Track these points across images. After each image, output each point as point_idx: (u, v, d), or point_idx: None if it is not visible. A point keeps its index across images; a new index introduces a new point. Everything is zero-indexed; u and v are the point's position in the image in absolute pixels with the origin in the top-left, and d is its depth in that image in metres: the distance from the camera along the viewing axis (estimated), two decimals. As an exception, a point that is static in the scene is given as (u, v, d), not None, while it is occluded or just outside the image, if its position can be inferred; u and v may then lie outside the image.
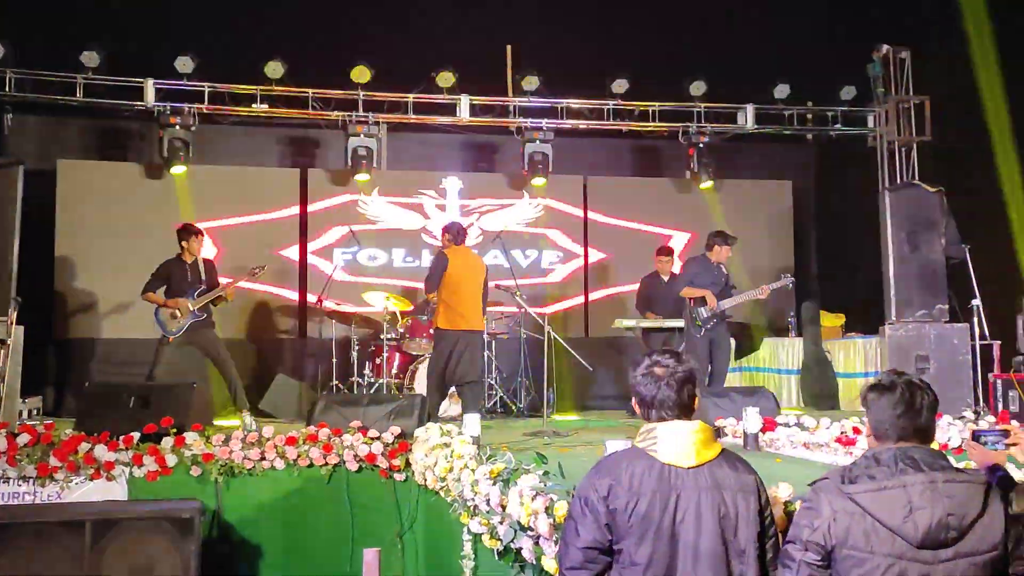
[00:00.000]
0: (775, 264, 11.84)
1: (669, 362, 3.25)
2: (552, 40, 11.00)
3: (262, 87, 10.56)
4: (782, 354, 11.28)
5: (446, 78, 10.83)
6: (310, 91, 10.75)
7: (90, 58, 10.02)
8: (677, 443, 3.14)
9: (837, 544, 2.94)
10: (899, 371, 3.19)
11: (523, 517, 4.15)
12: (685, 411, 3.21)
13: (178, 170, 10.56)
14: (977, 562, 2.91)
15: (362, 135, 10.74)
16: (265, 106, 10.63)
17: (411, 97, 10.96)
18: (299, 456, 6.74)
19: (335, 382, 10.09)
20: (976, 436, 4.01)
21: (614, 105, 11.34)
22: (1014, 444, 4.01)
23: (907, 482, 2.93)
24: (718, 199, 12.18)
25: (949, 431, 6.89)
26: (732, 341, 10.07)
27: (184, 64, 10.27)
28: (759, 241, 12.13)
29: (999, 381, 8.64)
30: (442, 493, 5.66)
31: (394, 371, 9.87)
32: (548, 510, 4.02)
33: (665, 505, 3.06)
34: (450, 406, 9.40)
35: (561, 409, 10.40)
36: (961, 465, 4.24)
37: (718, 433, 7.20)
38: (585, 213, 12.17)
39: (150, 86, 10.40)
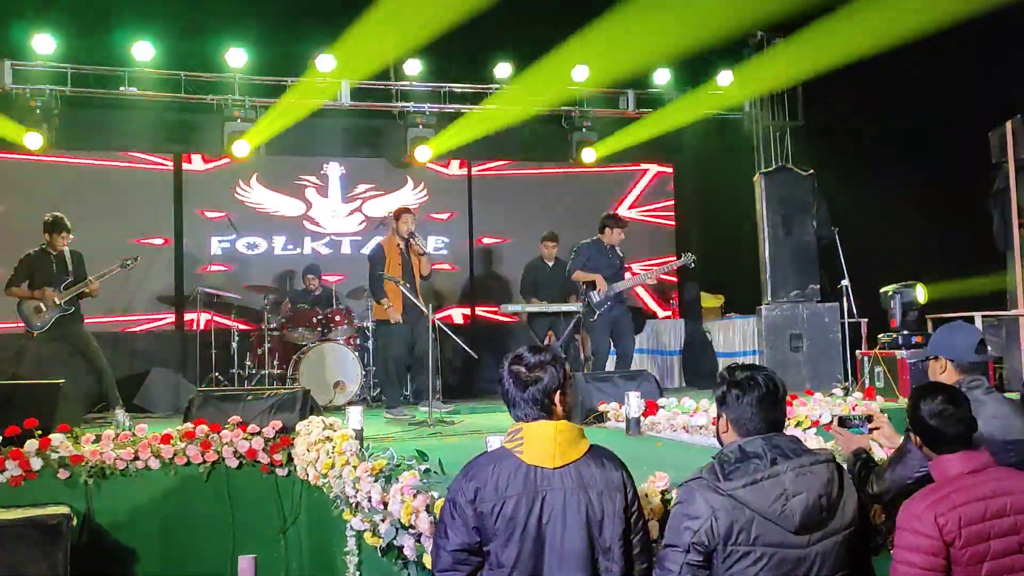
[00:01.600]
0: (657, 247, 12.04)
1: (533, 360, 3.23)
2: (433, 25, 10.90)
3: (130, 68, 10.19)
4: (664, 335, 11.48)
5: (327, 62, 10.65)
6: (183, 74, 10.42)
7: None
8: (542, 444, 3.11)
9: (720, 542, 2.97)
10: (749, 364, 3.25)
11: (404, 515, 4.11)
12: (549, 410, 3.17)
13: (36, 146, 10.02)
14: (839, 539, 3.02)
15: (239, 119, 10.47)
16: (134, 88, 10.26)
17: (290, 80, 10.73)
18: (175, 454, 6.54)
19: (215, 374, 9.85)
20: (841, 421, 4.14)
21: (497, 89, 11.32)
22: (876, 428, 4.16)
23: (779, 471, 2.99)
24: (600, 182, 12.29)
25: (821, 407, 7.12)
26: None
27: (43, 44, 9.83)
28: (640, 224, 12.30)
29: (866, 358, 8.95)
30: (325, 489, 5.58)
31: (276, 362, 9.68)
32: (429, 508, 3.99)
33: (531, 507, 3.04)
34: (335, 395, 9.29)
35: (450, 396, 10.37)
36: (829, 446, 4.39)
37: (601, 418, 7.27)
38: (469, 198, 12.13)
39: (7, 67, 9.92)
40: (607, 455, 3.24)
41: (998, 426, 3.76)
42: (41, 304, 8.46)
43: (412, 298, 8.37)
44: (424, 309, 7.99)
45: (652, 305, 12.39)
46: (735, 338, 10.96)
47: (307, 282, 10.59)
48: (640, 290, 12.13)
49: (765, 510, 2.96)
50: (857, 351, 9.31)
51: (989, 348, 4.23)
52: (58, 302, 8.49)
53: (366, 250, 10.58)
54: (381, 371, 9.44)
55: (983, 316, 8.87)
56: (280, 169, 11.69)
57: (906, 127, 10.51)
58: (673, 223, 12.90)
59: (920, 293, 9.11)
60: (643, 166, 12.91)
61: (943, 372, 4.03)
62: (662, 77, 11.69)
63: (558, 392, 3.21)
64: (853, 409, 7.45)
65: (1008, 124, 8.71)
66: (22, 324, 8.55)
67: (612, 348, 9.39)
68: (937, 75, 10.35)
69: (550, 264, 10.34)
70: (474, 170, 12.32)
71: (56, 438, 6.36)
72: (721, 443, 3.33)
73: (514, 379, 3.20)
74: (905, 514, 3.10)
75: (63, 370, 8.42)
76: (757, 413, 3.09)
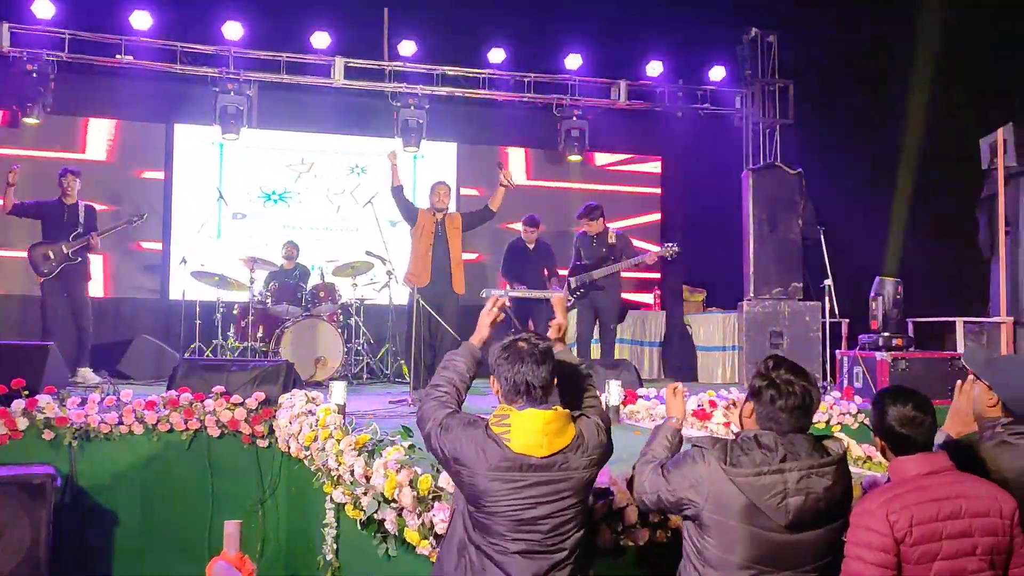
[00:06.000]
0: (643, 238, 12.10)
1: (525, 345, 3.29)
2: (430, 6, 10.94)
3: (127, 37, 10.18)
4: (646, 326, 11.57)
5: (321, 39, 10.68)
6: (179, 44, 10.40)
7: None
8: (530, 432, 3.18)
9: (705, 509, 3.12)
10: (792, 365, 3.26)
11: (387, 489, 4.18)
12: (540, 397, 3.26)
13: (32, 120, 10.07)
14: (827, 531, 3.18)
15: (232, 93, 10.47)
16: (130, 57, 10.24)
17: (284, 56, 10.74)
18: (159, 421, 6.59)
19: (197, 344, 9.88)
20: None
21: (490, 74, 11.36)
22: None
23: (786, 468, 3.10)
24: (589, 172, 12.35)
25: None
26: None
27: (43, 8, 9.82)
28: (628, 214, 12.38)
29: (845, 358, 9.06)
30: (306, 462, 5.64)
31: (260, 335, 9.72)
32: (412, 483, 4.07)
33: (510, 492, 3.16)
34: (317, 371, 9.34)
35: (431, 375, 10.39)
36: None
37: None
38: (458, 180, 12.17)
39: (5, 30, 9.90)
40: (591, 434, 3.32)
41: None
42: (50, 251, 8.76)
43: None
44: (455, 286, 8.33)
45: (635, 296, 12.47)
46: (715, 332, 11.06)
47: (286, 257, 10.60)
48: (624, 281, 12.18)
49: (761, 501, 3.08)
50: (837, 351, 9.42)
51: None
52: (65, 251, 8.76)
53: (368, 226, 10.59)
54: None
55: (965, 322, 9.00)
56: (270, 144, 11.69)
57: (897, 129, 10.62)
58: (659, 215, 12.97)
59: (902, 295, 9.21)
60: (631, 157, 12.96)
61: (991, 406, 3.68)
62: (655, 69, 11.74)
63: (549, 381, 3.29)
64: (830, 408, 7.59)
65: (999, 131, 8.81)
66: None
67: (596, 336, 9.50)
68: (930, 79, 10.47)
69: (531, 247, 10.39)
70: (462, 152, 12.36)
71: (43, 399, 6.40)
72: (741, 425, 3.44)
73: (509, 364, 3.28)
74: (858, 511, 3.15)
75: (63, 324, 8.86)
76: (786, 420, 3.18)
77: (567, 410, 3.30)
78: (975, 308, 9.12)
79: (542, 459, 3.18)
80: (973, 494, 3.19)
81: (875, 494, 3.26)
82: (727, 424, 6.23)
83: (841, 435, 6.13)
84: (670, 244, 9.63)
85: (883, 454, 3.40)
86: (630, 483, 3.46)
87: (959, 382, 3.89)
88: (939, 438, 3.51)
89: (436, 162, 12.08)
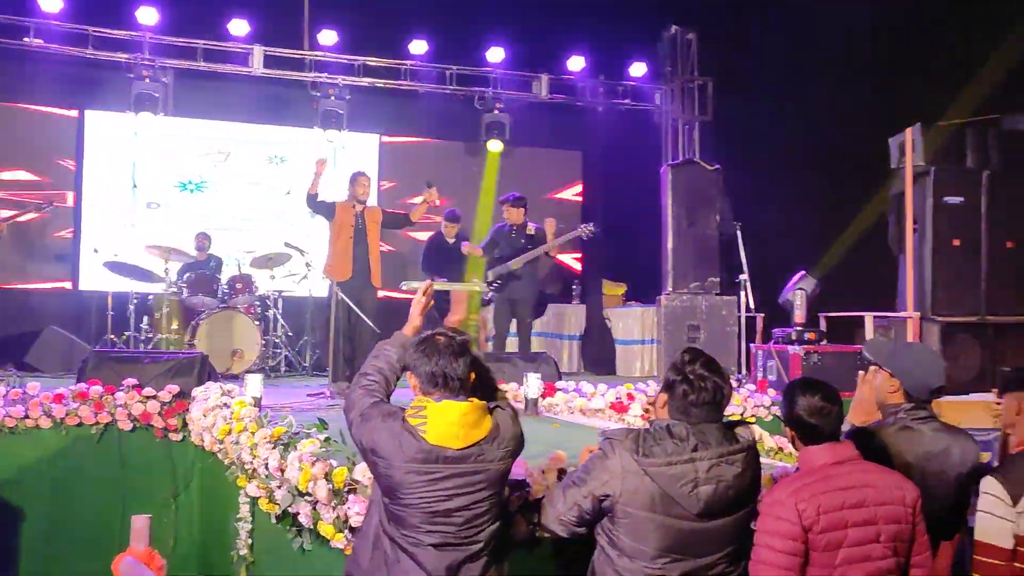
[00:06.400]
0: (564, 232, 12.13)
1: (443, 339, 3.29)
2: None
3: (36, 19, 9.88)
4: (565, 320, 11.62)
5: (239, 26, 10.50)
6: (91, 29, 10.13)
7: None
8: (446, 424, 3.18)
9: (620, 503, 3.15)
10: (707, 360, 3.29)
11: (301, 482, 4.13)
12: (457, 390, 3.25)
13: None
14: (736, 518, 3.24)
15: (147, 80, 10.23)
16: (39, 41, 9.94)
17: (201, 43, 10.53)
18: (67, 414, 6.43)
19: (110, 336, 9.66)
20: None
21: (412, 65, 11.29)
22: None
23: (697, 458, 3.15)
24: (511, 164, 12.37)
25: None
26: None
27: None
28: (547, 209, 12.38)
29: (760, 351, 9.23)
30: (220, 455, 5.55)
31: (174, 327, 9.53)
32: (327, 476, 4.03)
33: (425, 484, 3.15)
34: (233, 364, 9.20)
35: (351, 368, 10.31)
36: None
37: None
38: (379, 172, 12.08)
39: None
40: (507, 424, 3.33)
41: (926, 455, 3.70)
42: None
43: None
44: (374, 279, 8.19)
45: (554, 290, 12.51)
46: (634, 326, 11.15)
47: (198, 248, 10.40)
48: (543, 274, 12.23)
49: (672, 490, 3.12)
50: (752, 344, 9.58)
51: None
52: None
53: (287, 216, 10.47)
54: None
55: (874, 316, 9.23)
56: (186, 132, 11.47)
57: (811, 128, 10.82)
58: (580, 209, 13.04)
59: (815, 290, 9.41)
60: (552, 150, 13.00)
61: (893, 392, 3.83)
62: (576, 64, 11.80)
63: (466, 374, 3.29)
64: (745, 401, 7.73)
65: (907, 132, 9.04)
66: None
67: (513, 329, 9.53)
68: (844, 78, 10.70)
69: (451, 241, 10.37)
70: (384, 143, 12.28)
71: (-56, 392, 6.20)
72: (650, 416, 3.48)
73: (425, 355, 3.27)
74: (768, 500, 3.23)
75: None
76: (697, 413, 3.22)
77: (483, 402, 3.30)
78: (884, 303, 9.34)
79: (458, 451, 3.17)
80: (878, 483, 3.28)
81: (784, 483, 3.33)
82: (644, 417, 6.30)
83: (754, 426, 6.24)
84: (587, 224, 9.69)
85: (792, 444, 3.48)
86: (541, 517, 3.44)
87: (861, 372, 4.02)
88: (844, 427, 3.59)
89: (356, 154, 11.97)
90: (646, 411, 4.21)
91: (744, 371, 9.49)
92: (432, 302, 3.81)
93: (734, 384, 8.26)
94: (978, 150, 9.33)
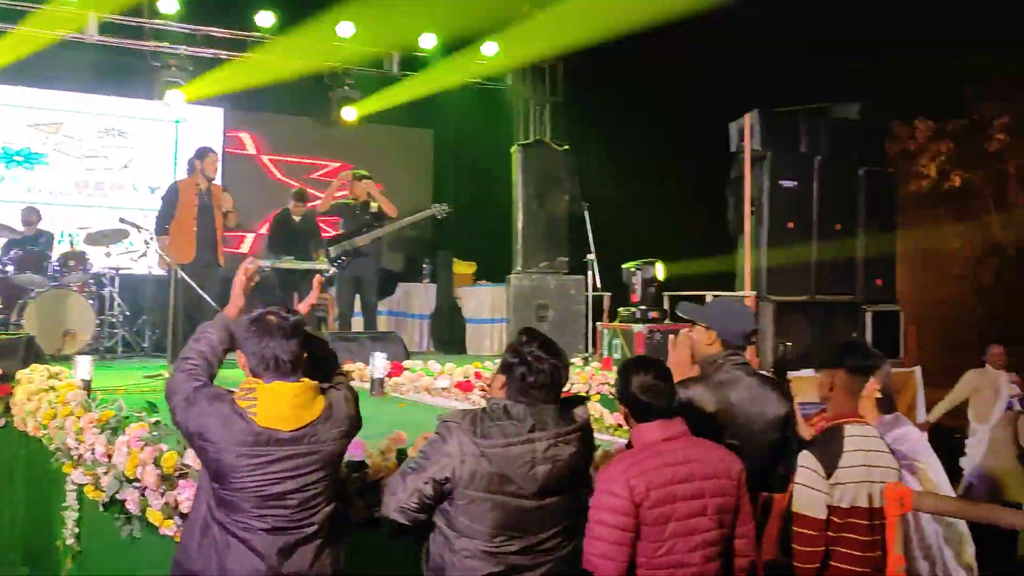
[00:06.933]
0: (416, 210, 12.05)
1: (275, 319, 3.20)
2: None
3: None
4: (414, 299, 11.57)
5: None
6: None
7: None
8: (277, 406, 3.11)
9: (460, 485, 3.14)
10: (545, 341, 3.31)
11: (128, 468, 3.97)
12: (289, 371, 3.17)
13: None
14: (571, 496, 3.28)
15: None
16: None
17: (29, 5, 9.95)
18: None
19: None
20: None
21: (259, 37, 10.96)
22: None
23: (535, 438, 3.16)
24: (361, 141, 12.20)
25: (571, 376, 7.39)
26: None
27: None
28: (399, 185, 12.29)
29: (606, 330, 9.40)
30: (44, 441, 5.29)
31: None
32: (156, 461, 3.89)
33: (257, 468, 3.07)
34: (65, 345, 8.78)
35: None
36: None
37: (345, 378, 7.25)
38: (224, 146, 11.71)
39: None
40: (340, 405, 3.27)
41: (749, 398, 3.95)
42: None
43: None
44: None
45: (403, 268, 12.44)
46: (484, 305, 11.20)
47: (25, 223, 9.87)
48: (392, 253, 12.14)
49: (510, 471, 3.13)
50: (598, 323, 9.75)
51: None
52: None
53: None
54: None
55: (714, 295, 9.50)
56: (12, 100, 10.86)
57: (658, 111, 11.06)
58: (431, 187, 12.97)
59: (659, 270, 9.62)
60: (404, 127, 12.88)
61: (710, 344, 4.08)
62: (428, 41, 11.70)
63: (299, 355, 3.21)
64: (591, 379, 7.85)
65: (746, 117, 9.32)
66: None
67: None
68: (687, 63, 10.97)
69: (297, 219, 10.15)
70: (229, 117, 11.91)
71: None
72: (489, 395, 3.47)
73: (256, 336, 3.18)
74: (602, 477, 3.30)
75: None
76: (535, 395, 3.23)
77: (316, 382, 3.23)
78: (724, 283, 9.65)
79: (290, 433, 3.10)
80: (705, 458, 3.40)
81: (617, 460, 3.41)
82: (482, 397, 6.33)
83: (596, 403, 6.37)
84: (440, 205, 9.65)
85: (626, 421, 3.55)
86: (381, 507, 3.39)
87: (671, 337, 4.20)
88: None
89: (200, 127, 11.58)
90: (483, 391, 4.22)
91: (590, 349, 9.65)
92: (255, 280, 3.69)
93: (580, 362, 8.41)
94: (810, 136, 9.71)
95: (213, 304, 8.08)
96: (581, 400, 3.47)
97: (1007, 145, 18.66)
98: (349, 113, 11.51)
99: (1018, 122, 18.49)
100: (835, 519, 3.74)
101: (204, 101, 11.21)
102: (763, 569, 3.87)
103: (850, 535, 3.75)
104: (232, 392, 3.17)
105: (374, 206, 9.41)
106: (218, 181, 8.97)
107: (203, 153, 8.54)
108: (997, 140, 18.55)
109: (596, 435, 5.59)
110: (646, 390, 3.39)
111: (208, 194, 8.42)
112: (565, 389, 5.36)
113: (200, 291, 8.01)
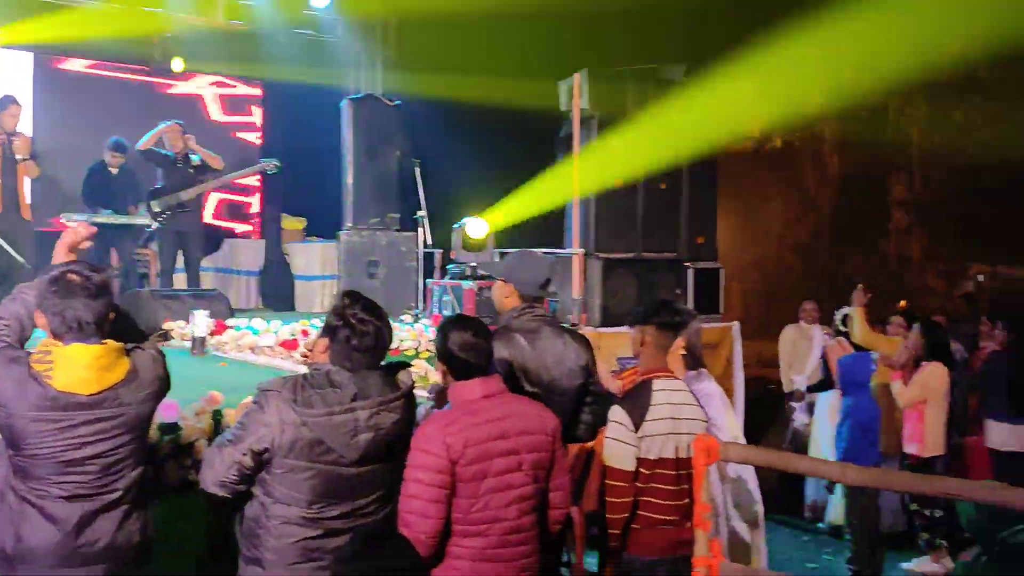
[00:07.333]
0: (241, 165, 11.73)
1: (77, 278, 3.07)
2: None
3: None
4: (241, 255, 11.30)
5: None
6: None
7: None
8: (76, 369, 3.01)
9: (280, 454, 3.10)
10: (368, 303, 3.29)
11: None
12: (92, 333, 3.06)
13: None
14: (391, 465, 3.28)
15: None
16: None
17: None
18: None
19: None
20: None
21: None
22: None
23: (357, 407, 3.14)
24: (184, 95, 11.76)
25: (401, 332, 7.40)
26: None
27: None
28: (225, 140, 11.93)
29: (436, 287, 9.43)
30: None
31: None
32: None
33: (53, 433, 2.97)
34: None
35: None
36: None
37: (166, 336, 7.06)
38: (35, 98, 11.00)
39: None
40: (141, 367, 3.17)
41: (550, 349, 4.08)
42: None
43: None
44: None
45: (230, 224, 12.09)
46: (314, 261, 11.03)
47: None
48: (218, 207, 11.79)
49: (332, 439, 3.11)
50: (429, 280, 9.76)
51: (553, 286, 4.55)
52: None
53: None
54: None
55: (543, 252, 9.63)
56: None
57: (490, 68, 11.05)
58: (260, 141, 12.62)
59: (483, 226, 9.72)
60: (230, 78, 12.46)
61: (508, 297, 4.22)
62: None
63: (104, 316, 3.09)
64: (420, 336, 7.87)
65: (575, 76, 9.42)
66: None
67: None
68: (520, 20, 11.00)
69: (114, 172, 9.70)
70: (40, 63, 11.23)
71: None
72: (311, 360, 3.42)
73: (58, 296, 3.05)
74: (418, 435, 3.33)
75: None
76: (359, 358, 3.21)
77: (120, 344, 3.13)
78: (554, 240, 9.79)
79: (90, 396, 3.00)
80: (521, 414, 3.46)
81: (434, 418, 3.43)
82: (304, 362, 6.26)
83: (423, 362, 6.40)
84: (270, 160, 9.42)
85: (444, 379, 3.59)
86: (200, 481, 3.32)
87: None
88: None
89: (8, 74, 10.87)
90: (305, 356, 4.18)
91: (421, 306, 9.66)
92: (85, 244, 3.54)
93: (410, 318, 8.43)
94: (638, 97, 9.89)
95: (23, 261, 7.72)
96: (405, 365, 3.48)
97: (823, 108, 19.59)
98: (176, 64, 11.05)
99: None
100: (643, 470, 3.90)
101: (19, 45, 10.51)
102: (585, 519, 4.01)
103: (658, 485, 3.92)
104: (30, 355, 3.04)
105: (195, 159, 9.10)
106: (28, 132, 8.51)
107: (3, 104, 8.07)
108: (814, 103, 19.44)
109: (421, 392, 5.68)
110: (464, 347, 3.42)
111: (10, 147, 7.97)
112: (394, 346, 5.41)
113: (9, 248, 7.64)
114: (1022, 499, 3.24)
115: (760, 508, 5.00)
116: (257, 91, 12.73)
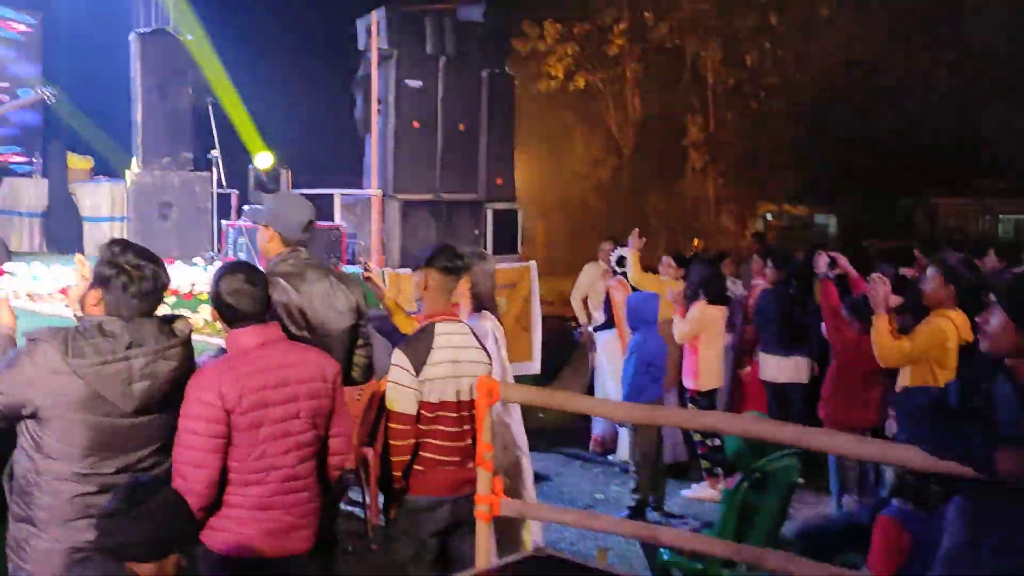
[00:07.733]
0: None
1: None
2: None
3: None
4: (21, 195, 10.65)
5: None
6: None
7: None
8: None
9: (45, 404, 3.01)
10: (139, 250, 3.20)
11: None
12: None
13: None
14: (169, 414, 3.22)
15: None
16: None
17: None
18: None
19: None
20: None
21: None
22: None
23: (132, 355, 3.07)
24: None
25: (192, 274, 7.21)
26: None
27: None
28: (2, 70, 11.18)
29: (231, 229, 9.20)
30: None
31: None
32: None
33: None
34: None
35: None
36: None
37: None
38: None
39: None
40: None
41: (316, 292, 4.06)
42: None
43: None
44: None
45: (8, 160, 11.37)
46: (103, 202, 10.52)
47: None
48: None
49: (105, 390, 3.03)
50: (224, 221, 9.52)
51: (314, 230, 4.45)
52: None
53: None
54: None
55: (342, 194, 9.57)
56: None
57: (287, 3, 10.79)
58: (39, 72, 11.84)
59: (269, 159, 9.57)
60: (7, 9, 11.62)
61: (270, 241, 4.15)
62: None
63: None
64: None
65: (373, 14, 9.32)
66: None
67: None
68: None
69: None
70: None
71: None
72: (83, 311, 3.30)
73: None
74: (192, 384, 3.26)
75: None
76: (136, 305, 3.12)
77: None
78: (351, 181, 9.75)
79: None
80: (300, 362, 3.46)
81: (210, 367, 3.39)
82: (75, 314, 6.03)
83: (208, 306, 6.25)
84: (47, 88, 8.88)
85: (223, 325, 3.54)
86: None
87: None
88: None
89: None
90: (76, 312, 4.03)
91: (216, 248, 9.43)
92: None
93: (201, 262, 8.23)
94: (436, 37, 9.89)
95: None
96: (182, 317, 3.42)
97: (625, 50, 20.09)
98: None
99: (635, 28, 19.94)
100: (426, 413, 3.98)
101: None
102: (379, 460, 4.05)
103: (440, 427, 4.01)
104: None
105: None
106: None
107: None
108: (616, 45, 19.92)
109: (209, 340, 5.58)
110: (232, 293, 3.36)
111: None
112: (187, 289, 5.27)
113: None
114: (774, 431, 3.51)
115: (520, 453, 5.00)
116: (37, 19, 11.91)
